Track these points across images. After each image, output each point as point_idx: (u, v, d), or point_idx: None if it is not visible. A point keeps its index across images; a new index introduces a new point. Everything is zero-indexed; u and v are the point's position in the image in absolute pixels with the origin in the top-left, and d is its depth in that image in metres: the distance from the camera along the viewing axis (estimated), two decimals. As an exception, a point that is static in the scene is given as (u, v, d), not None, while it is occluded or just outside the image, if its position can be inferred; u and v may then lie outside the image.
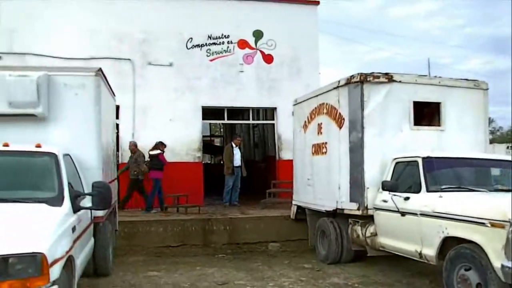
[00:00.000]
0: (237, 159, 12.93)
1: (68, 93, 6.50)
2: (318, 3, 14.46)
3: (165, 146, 12.13)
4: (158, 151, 11.97)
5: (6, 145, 5.49)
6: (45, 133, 6.31)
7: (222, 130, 27.15)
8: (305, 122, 9.49)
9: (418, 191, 6.47)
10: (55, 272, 3.87)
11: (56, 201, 4.91)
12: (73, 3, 12.75)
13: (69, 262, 4.43)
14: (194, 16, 13.46)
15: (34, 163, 5.53)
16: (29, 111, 6.22)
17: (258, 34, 13.78)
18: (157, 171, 11.97)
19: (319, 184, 8.85)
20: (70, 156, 5.98)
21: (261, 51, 13.82)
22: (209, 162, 28.25)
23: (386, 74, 7.55)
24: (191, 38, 13.36)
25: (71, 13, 12.68)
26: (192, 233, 10.37)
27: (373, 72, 7.54)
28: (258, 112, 15.48)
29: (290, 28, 13.94)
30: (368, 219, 7.51)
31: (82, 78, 6.59)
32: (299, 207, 9.92)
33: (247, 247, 10.17)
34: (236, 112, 16.09)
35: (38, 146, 5.56)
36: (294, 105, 10.21)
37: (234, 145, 13.12)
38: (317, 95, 9.06)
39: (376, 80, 7.49)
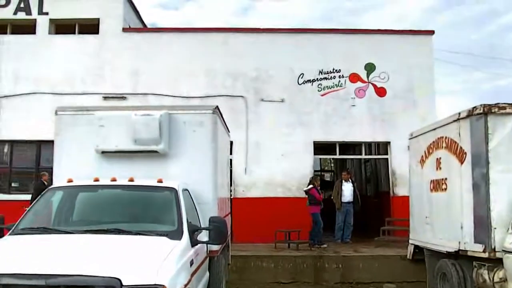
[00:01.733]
0: (347, 195, 12.67)
1: (187, 130, 6.77)
2: (433, 32, 13.97)
3: (318, 180, 12.25)
4: (311, 186, 12.05)
5: (131, 180, 5.84)
6: (166, 168, 6.60)
7: (332, 164, 26.81)
8: (422, 157, 9.04)
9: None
10: (174, 304, 3.97)
11: (176, 235, 5.06)
12: (191, 46, 13.56)
13: (187, 295, 4.52)
14: (305, 51, 13.65)
15: (156, 197, 5.81)
16: (152, 148, 6.57)
17: (370, 67, 13.58)
18: (313, 206, 11.94)
19: (439, 222, 8.31)
20: (188, 191, 6.20)
21: (373, 84, 13.58)
22: (320, 197, 27.89)
23: (513, 104, 7.00)
24: (302, 74, 13.51)
25: (188, 54, 13.50)
26: (304, 270, 10.25)
27: (498, 103, 7.02)
28: (370, 146, 15.12)
29: (404, 59, 13.60)
30: (496, 263, 6.86)
31: (200, 116, 6.84)
32: (416, 246, 9.38)
33: (360, 286, 9.81)
34: (348, 147, 15.86)
35: (160, 181, 5.85)
36: (410, 139, 9.80)
37: (343, 180, 12.90)
38: (435, 129, 8.62)
39: (502, 111, 6.97)
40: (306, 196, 12.03)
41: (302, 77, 13.52)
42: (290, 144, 13.22)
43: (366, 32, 14.04)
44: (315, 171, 13.89)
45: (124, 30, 13.83)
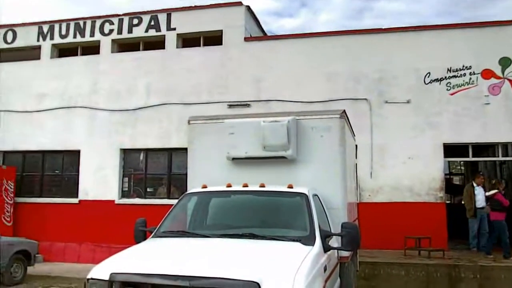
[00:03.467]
0: (480, 200, 11.81)
1: (314, 136, 6.76)
2: None
3: (503, 185, 11.73)
4: (495, 191, 11.53)
5: (262, 185, 5.96)
6: (294, 174, 6.64)
7: (462, 167, 25.22)
8: None
9: None
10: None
11: (309, 240, 5.05)
12: (311, 51, 13.58)
13: (322, 301, 4.49)
14: (431, 49, 13.00)
15: (287, 203, 5.85)
16: (281, 154, 6.65)
17: (505, 62, 12.54)
18: (498, 212, 11.23)
19: None
20: (318, 196, 6.16)
21: (509, 80, 12.53)
22: (449, 202, 26.48)
23: None
24: (429, 73, 12.87)
25: (309, 60, 13.52)
26: (437, 280, 9.75)
27: None
28: (507, 147, 13.96)
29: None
30: None
31: (328, 121, 6.79)
32: None
33: (503, 299, 9.08)
34: (481, 148, 14.80)
35: (290, 186, 5.89)
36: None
37: (475, 185, 12.05)
38: None
39: None
40: (488, 203, 11.44)
41: (428, 76, 12.88)
42: (417, 147, 12.63)
43: (498, 24, 13.00)
44: (445, 174, 13.12)
45: (246, 39, 14.22)
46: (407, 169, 12.54)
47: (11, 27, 16.47)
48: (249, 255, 4.58)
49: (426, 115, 12.76)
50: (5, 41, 16.47)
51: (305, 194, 5.72)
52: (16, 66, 16.18)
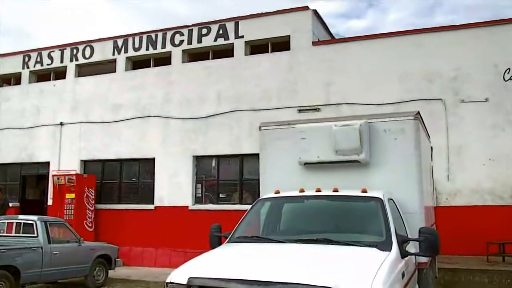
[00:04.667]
0: None
1: (387, 139, 6.60)
2: None
3: None
4: None
5: (335, 190, 5.90)
6: (368, 178, 6.51)
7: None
8: None
9: None
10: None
11: (385, 246, 4.93)
12: (382, 52, 13.30)
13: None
14: (509, 44, 12.34)
15: (362, 208, 5.75)
16: (353, 158, 6.54)
17: None
18: None
19: None
20: (393, 201, 6.01)
21: None
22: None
23: None
24: (509, 69, 12.19)
25: (379, 61, 13.26)
26: (524, 287, 9.18)
27: None
28: None
29: None
30: None
31: (401, 123, 6.61)
32: None
33: None
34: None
35: (364, 191, 5.78)
36: None
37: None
38: None
39: None
40: None
41: (508, 73, 12.20)
42: (498, 147, 12.00)
43: None
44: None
45: (314, 43, 14.16)
46: (487, 171, 11.95)
47: (88, 43, 17.35)
48: (325, 261, 4.54)
49: (507, 113, 12.11)
50: (84, 57, 17.38)
51: (380, 199, 5.60)
52: (94, 79, 17.05)
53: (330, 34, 16.04)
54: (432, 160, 10.90)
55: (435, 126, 11.90)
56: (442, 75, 12.73)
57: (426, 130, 8.14)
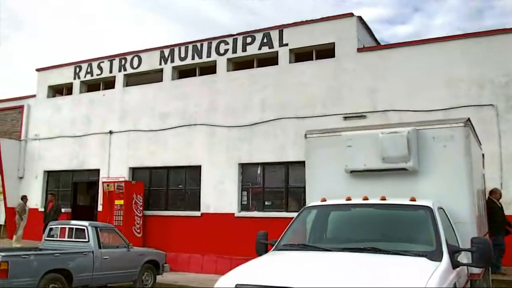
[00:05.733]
0: None
1: (436, 146, 6.47)
2: None
3: None
4: None
5: (383, 198, 5.82)
6: (416, 186, 6.40)
7: None
8: None
9: None
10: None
11: (436, 256, 4.83)
12: (429, 58, 13.04)
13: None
14: None
15: (410, 217, 5.66)
16: (401, 166, 6.45)
17: None
18: None
19: None
20: (443, 210, 5.88)
21: None
22: None
23: None
24: None
25: (426, 67, 12.99)
26: None
27: None
28: None
29: None
30: None
31: (451, 130, 6.47)
32: None
33: None
34: None
35: (413, 199, 5.69)
36: None
37: None
38: None
39: None
40: None
41: (562, 78, 11.76)
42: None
43: None
44: None
45: (359, 50, 14.05)
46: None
47: (136, 54, 17.83)
48: (373, 270, 4.49)
49: None
50: (132, 67, 17.87)
51: (429, 207, 5.49)
52: (142, 88, 17.50)
53: (375, 40, 15.88)
54: (483, 168, 10.60)
55: (487, 133, 11.56)
56: (493, 80, 12.34)
57: (477, 137, 7.92)
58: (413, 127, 6.54)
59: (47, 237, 11.19)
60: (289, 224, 6.13)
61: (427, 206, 5.52)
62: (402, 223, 5.77)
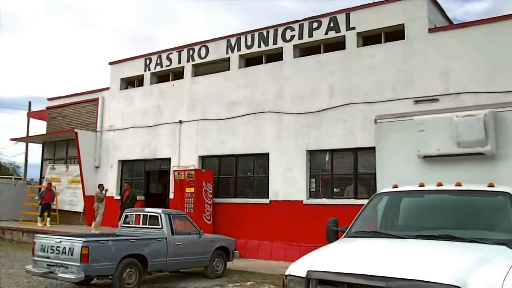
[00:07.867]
0: None
1: (517, 129, 6.15)
2: None
3: None
4: None
5: (458, 184, 5.60)
6: (494, 171, 6.13)
7: None
8: None
9: None
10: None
11: (516, 244, 4.61)
12: (505, 36, 12.32)
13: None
14: None
15: (488, 203, 5.43)
16: (477, 150, 6.20)
17: None
18: None
19: None
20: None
21: None
22: None
23: None
24: None
25: (504, 45, 12.27)
26: None
27: None
28: None
29: None
30: None
31: (533, 111, 6.13)
32: None
33: None
34: None
35: (491, 185, 5.44)
36: None
37: None
38: None
39: None
40: None
41: None
42: None
43: None
44: None
45: (430, 30, 13.50)
46: None
47: (204, 43, 18.11)
48: (449, 258, 4.33)
49: None
50: (200, 57, 18.18)
51: (509, 193, 5.24)
52: (210, 78, 17.77)
53: (448, 19, 15.19)
54: None
55: None
56: None
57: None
58: (490, 110, 6.25)
59: (123, 223, 11.68)
60: (360, 211, 6.05)
61: (506, 192, 5.27)
62: (480, 210, 5.54)
